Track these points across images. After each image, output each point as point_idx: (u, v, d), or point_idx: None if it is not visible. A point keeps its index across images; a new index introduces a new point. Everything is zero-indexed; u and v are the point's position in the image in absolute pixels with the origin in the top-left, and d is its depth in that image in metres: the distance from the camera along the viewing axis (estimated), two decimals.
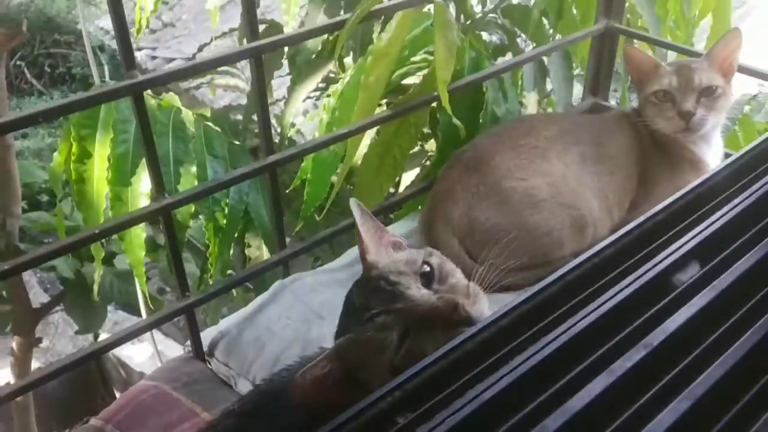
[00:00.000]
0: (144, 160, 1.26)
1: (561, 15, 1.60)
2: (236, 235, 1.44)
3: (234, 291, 2.05)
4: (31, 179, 3.87)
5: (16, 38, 2.76)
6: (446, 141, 1.41)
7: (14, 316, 2.81)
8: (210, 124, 1.45)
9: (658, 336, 0.57)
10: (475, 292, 0.76)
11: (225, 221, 1.39)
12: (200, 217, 1.45)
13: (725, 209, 0.72)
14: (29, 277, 4.06)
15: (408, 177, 1.78)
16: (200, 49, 2.25)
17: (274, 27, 1.81)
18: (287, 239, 1.35)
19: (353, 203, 0.81)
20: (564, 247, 1.19)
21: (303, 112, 2.69)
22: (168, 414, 1.03)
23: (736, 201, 0.74)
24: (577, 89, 1.81)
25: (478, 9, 1.94)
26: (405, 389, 0.54)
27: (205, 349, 1.19)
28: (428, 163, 1.77)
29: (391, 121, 1.33)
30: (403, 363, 0.68)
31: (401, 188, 1.77)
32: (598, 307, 0.60)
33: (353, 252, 1.36)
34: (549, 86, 1.83)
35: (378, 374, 0.71)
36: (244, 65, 2.03)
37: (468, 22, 1.89)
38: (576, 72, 1.79)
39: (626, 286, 0.62)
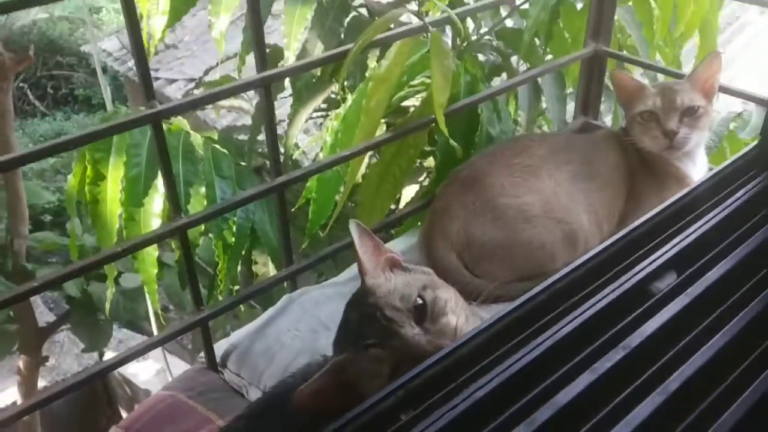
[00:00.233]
0: (155, 182, 1.33)
1: (550, 37, 1.67)
2: (243, 252, 1.50)
3: (241, 307, 2.11)
4: (37, 200, 3.92)
5: (23, 62, 2.83)
6: (444, 160, 1.47)
7: (21, 335, 2.85)
8: (217, 146, 1.51)
9: (635, 339, 0.63)
10: (462, 330, 0.82)
11: (233, 239, 1.45)
12: (209, 235, 1.50)
13: (700, 222, 0.78)
14: (34, 296, 4.11)
15: (408, 193, 1.84)
16: (206, 72, 2.30)
17: (277, 51, 1.88)
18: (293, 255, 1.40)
19: (352, 224, 0.86)
20: (557, 259, 1.25)
21: (304, 130, 2.76)
22: (185, 421, 1.09)
23: (710, 215, 0.80)
24: (571, 107, 1.87)
25: (473, 31, 2.02)
26: (407, 388, 0.60)
27: (218, 360, 1.25)
28: (427, 179, 1.83)
29: (392, 143, 1.40)
30: None
31: (401, 204, 1.83)
32: (582, 313, 0.66)
33: (356, 267, 1.42)
34: (544, 105, 1.89)
35: (371, 391, 0.77)
36: None
37: (464, 45, 1.96)
38: (569, 91, 1.86)
39: (608, 294, 0.68)
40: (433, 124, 1.31)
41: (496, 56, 1.98)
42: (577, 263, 0.72)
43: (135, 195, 1.32)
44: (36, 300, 4.39)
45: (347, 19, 1.83)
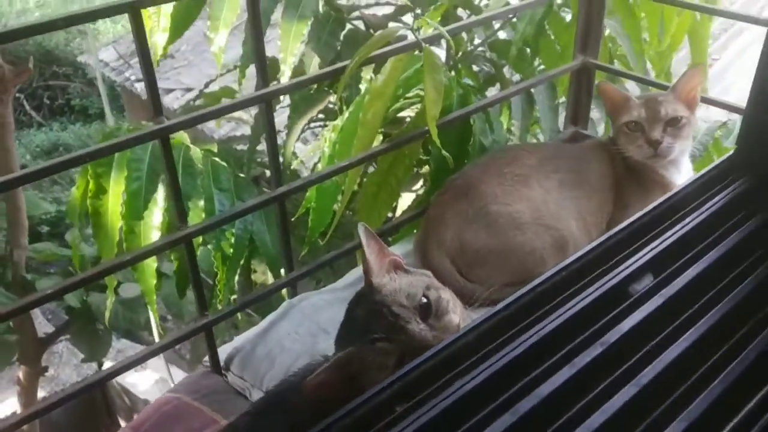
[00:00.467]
0: (155, 196, 1.37)
1: (538, 50, 1.73)
2: (242, 262, 1.54)
3: (239, 316, 2.15)
4: (35, 211, 3.95)
5: (23, 74, 2.88)
6: (438, 170, 1.52)
7: (20, 345, 2.87)
8: (217, 159, 1.55)
9: (613, 335, 0.68)
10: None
11: (231, 250, 1.50)
12: (208, 246, 1.54)
13: (677, 227, 0.83)
14: None
15: (404, 202, 1.89)
16: (206, 85, 2.35)
17: (275, 63, 1.92)
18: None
19: (360, 227, 0.92)
20: (547, 264, 1.29)
21: (301, 140, 2.80)
22: (191, 421, 1.13)
23: (687, 220, 0.85)
24: (563, 117, 1.92)
25: (467, 42, 2.07)
26: (402, 382, 0.65)
27: (221, 363, 1.29)
28: (423, 188, 1.88)
29: (388, 153, 1.45)
30: None
31: (398, 212, 1.88)
32: (564, 312, 0.71)
33: (354, 273, 1.47)
34: (538, 114, 1.95)
35: (375, 383, 0.82)
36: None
37: (459, 55, 2.01)
38: (561, 101, 1.91)
39: (588, 295, 0.73)
40: (428, 135, 1.36)
41: (489, 67, 2.04)
42: (560, 266, 0.77)
43: (135, 208, 1.36)
44: (35, 311, 4.41)
45: (343, 33, 1.88)
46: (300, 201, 1.51)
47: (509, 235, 1.29)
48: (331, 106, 2.00)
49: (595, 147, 1.49)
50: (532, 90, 1.78)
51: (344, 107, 1.51)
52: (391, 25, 1.94)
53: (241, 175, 1.64)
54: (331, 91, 1.90)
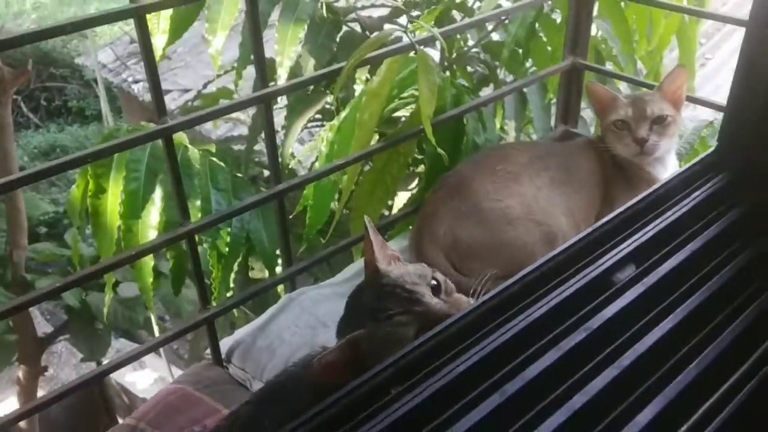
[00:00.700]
0: (153, 196, 1.41)
1: (529, 52, 1.77)
2: (239, 260, 1.57)
3: (236, 313, 2.19)
4: (35, 212, 3.96)
5: (22, 77, 2.91)
6: (432, 168, 1.56)
7: (20, 345, 2.90)
8: (215, 159, 1.58)
9: (596, 321, 0.72)
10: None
11: (227, 249, 1.53)
12: (204, 245, 1.57)
13: (659, 220, 0.87)
14: (32, 307, 4.16)
15: (400, 201, 1.93)
16: (205, 86, 2.38)
17: (271, 65, 1.95)
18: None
19: (366, 219, 0.97)
20: (537, 258, 1.29)
21: (298, 140, 2.83)
22: (194, 411, 1.17)
23: (668, 213, 0.88)
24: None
25: (462, 43, 2.11)
26: (398, 366, 0.69)
27: (223, 356, 1.33)
28: (418, 188, 1.91)
29: (383, 152, 1.49)
30: None
31: (395, 210, 1.91)
32: (550, 300, 0.74)
33: (351, 269, 1.51)
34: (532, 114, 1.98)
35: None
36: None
37: (453, 57, 2.05)
38: (553, 101, 1.95)
39: (574, 284, 0.77)
40: (422, 134, 1.40)
41: (483, 68, 2.08)
42: (547, 257, 0.81)
43: (133, 208, 1.39)
44: (33, 311, 4.44)
45: (339, 35, 1.91)
46: (297, 200, 1.55)
47: (501, 230, 1.33)
48: (327, 106, 2.03)
49: (584, 145, 1.54)
50: (525, 91, 1.82)
51: (341, 108, 1.54)
52: (387, 27, 1.97)
53: (239, 175, 1.67)
54: (327, 92, 1.94)
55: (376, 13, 2.09)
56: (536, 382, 0.65)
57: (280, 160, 1.96)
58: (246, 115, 2.43)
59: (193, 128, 1.22)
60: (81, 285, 2.60)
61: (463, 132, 1.57)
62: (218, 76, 2.23)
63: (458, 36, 2.06)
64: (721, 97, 1.59)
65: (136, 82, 6.67)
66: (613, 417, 0.63)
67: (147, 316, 2.95)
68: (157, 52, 1.62)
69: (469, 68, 2.09)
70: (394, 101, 1.57)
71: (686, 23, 1.81)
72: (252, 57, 1.26)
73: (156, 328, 1.90)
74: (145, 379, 4.66)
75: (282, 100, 2.10)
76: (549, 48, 1.87)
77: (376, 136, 1.66)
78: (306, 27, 1.68)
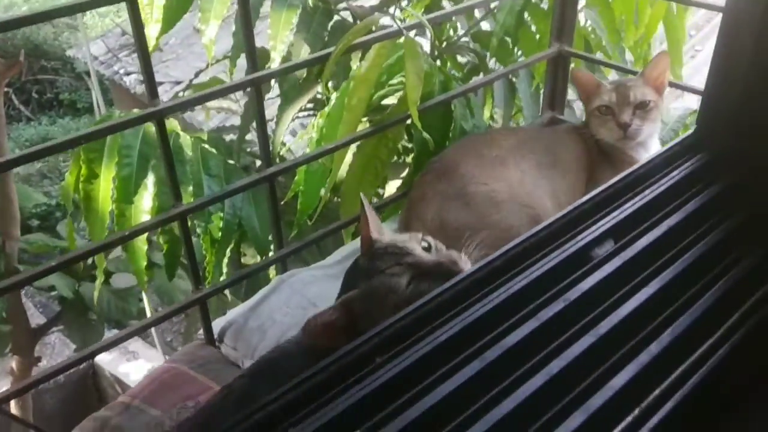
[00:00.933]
0: (145, 181, 1.43)
1: (517, 40, 1.79)
2: (232, 246, 1.59)
3: (229, 297, 2.21)
4: (27, 202, 3.96)
5: (14, 68, 2.91)
6: (420, 153, 1.58)
7: (14, 336, 2.91)
8: (206, 146, 1.60)
9: (574, 293, 0.74)
10: (465, 258, 0.97)
11: (220, 234, 1.55)
12: (197, 231, 1.59)
13: (637, 198, 0.90)
14: (25, 299, 4.16)
15: (391, 189, 1.95)
16: (197, 74, 2.39)
17: (264, 53, 1.97)
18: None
19: (363, 196, 1.01)
20: None
21: (290, 132, 2.85)
22: (187, 388, 1.20)
23: (647, 192, 0.91)
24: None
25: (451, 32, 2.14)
26: (382, 335, 0.71)
27: (215, 336, 1.36)
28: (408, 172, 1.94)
29: (372, 137, 1.51)
30: (406, 305, 0.81)
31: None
32: (531, 273, 0.77)
33: (342, 251, 1.53)
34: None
35: (378, 321, 0.87)
36: None
37: (443, 45, 2.07)
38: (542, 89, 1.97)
39: (554, 258, 0.79)
40: (410, 120, 1.42)
41: (473, 57, 2.11)
42: (529, 233, 0.83)
43: (126, 193, 1.41)
44: (27, 303, 4.44)
45: (331, 23, 1.93)
46: (288, 187, 1.57)
47: (487, 213, 1.35)
48: (319, 96, 2.05)
49: (570, 131, 1.56)
50: (514, 80, 1.85)
51: (330, 94, 1.56)
52: (376, 14, 1.99)
53: (231, 162, 1.70)
54: (319, 80, 1.96)
55: (368, 3, 2.11)
56: (515, 349, 0.68)
57: (271, 148, 1.98)
58: (238, 105, 2.44)
59: (185, 119, 1.24)
60: (75, 263, 2.60)
61: (451, 118, 1.60)
62: (211, 64, 2.24)
63: (448, 25, 2.09)
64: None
65: (128, 74, 6.67)
66: (589, 381, 0.65)
67: (140, 307, 2.97)
68: (150, 42, 1.64)
69: (459, 58, 2.11)
70: (383, 88, 1.59)
71: (674, 13, 1.83)
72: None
73: (149, 312, 1.92)
74: (139, 370, 4.66)
75: (275, 91, 2.12)
76: (537, 37, 1.90)
77: (367, 125, 1.68)
78: (298, 14, 1.70)
